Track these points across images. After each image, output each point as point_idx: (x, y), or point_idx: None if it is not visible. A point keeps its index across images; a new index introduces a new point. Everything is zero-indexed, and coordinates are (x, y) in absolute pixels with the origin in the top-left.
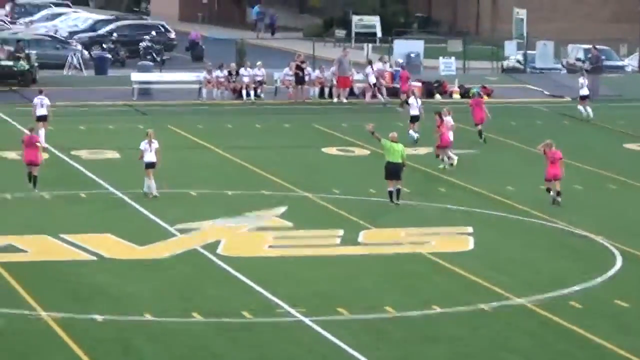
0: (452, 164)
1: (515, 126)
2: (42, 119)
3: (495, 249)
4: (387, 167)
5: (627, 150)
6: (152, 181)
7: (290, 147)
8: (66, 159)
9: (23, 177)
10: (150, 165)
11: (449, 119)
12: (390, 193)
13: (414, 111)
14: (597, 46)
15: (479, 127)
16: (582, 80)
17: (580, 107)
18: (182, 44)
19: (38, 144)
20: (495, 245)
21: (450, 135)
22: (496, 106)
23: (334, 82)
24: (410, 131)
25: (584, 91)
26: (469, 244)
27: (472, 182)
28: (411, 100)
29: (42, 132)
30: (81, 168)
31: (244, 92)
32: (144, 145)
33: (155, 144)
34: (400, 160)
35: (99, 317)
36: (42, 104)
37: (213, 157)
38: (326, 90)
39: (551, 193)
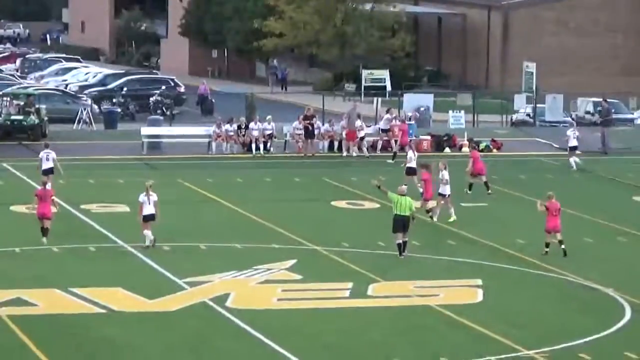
0: (432, 218)
1: (524, 179)
2: (47, 172)
3: (504, 301)
4: (395, 219)
5: (636, 203)
6: (149, 232)
7: (299, 200)
8: (76, 212)
9: (32, 231)
10: (150, 218)
11: (444, 174)
12: (399, 245)
13: (411, 164)
14: (607, 99)
15: (484, 178)
16: (571, 132)
17: (571, 160)
18: (192, 99)
19: (53, 198)
20: (504, 297)
21: (447, 189)
22: (506, 159)
23: (344, 135)
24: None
25: (573, 142)
26: (478, 296)
27: (482, 235)
28: (410, 154)
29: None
30: (91, 222)
31: (253, 145)
32: (142, 197)
33: (154, 197)
34: (408, 213)
35: None
36: (47, 158)
37: (222, 210)
38: (335, 143)
39: (562, 246)
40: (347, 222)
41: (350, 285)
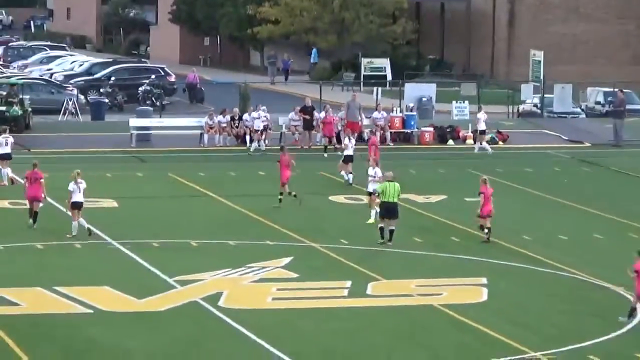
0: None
1: (531, 173)
2: (5, 157)
3: (510, 301)
4: (382, 206)
5: None
6: (79, 219)
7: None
8: (61, 208)
9: (15, 226)
10: (78, 206)
11: (376, 170)
12: (381, 229)
13: (349, 151)
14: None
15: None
16: (480, 115)
17: (477, 144)
18: (182, 88)
19: (42, 180)
20: (510, 296)
21: (372, 187)
22: (512, 152)
23: (341, 127)
24: (343, 172)
25: (481, 126)
26: (483, 295)
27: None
28: (346, 141)
29: (5, 171)
30: None
31: (247, 138)
32: (71, 186)
33: (83, 184)
34: (396, 200)
35: None
36: (7, 143)
37: (215, 205)
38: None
39: (485, 230)
40: (345, 218)
41: (348, 284)
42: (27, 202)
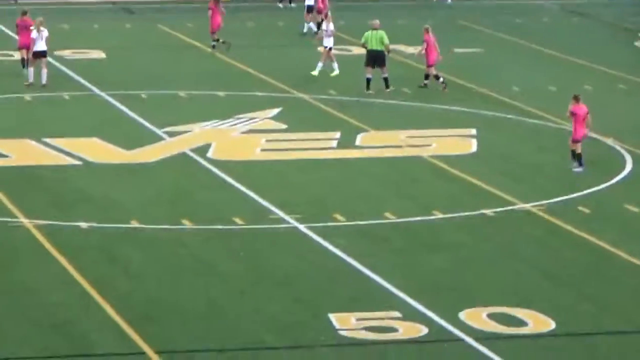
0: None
1: (520, 24)
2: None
3: (499, 152)
4: (367, 54)
5: (638, 49)
6: (44, 69)
7: (284, 46)
8: (49, 59)
9: (3, 78)
10: (42, 54)
11: (329, 25)
12: (368, 80)
13: (309, 1)
14: None
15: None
16: None
17: (308, 24)
18: None
19: (32, 27)
20: (499, 148)
21: (330, 42)
22: (499, 2)
23: None
24: (311, 23)
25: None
26: (472, 146)
27: (476, 82)
28: None
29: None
30: (65, 69)
31: None
32: (34, 34)
33: (45, 32)
34: (381, 48)
35: (83, 224)
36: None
37: (203, 57)
38: None
39: (440, 80)
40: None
41: (337, 135)
42: (19, 52)
